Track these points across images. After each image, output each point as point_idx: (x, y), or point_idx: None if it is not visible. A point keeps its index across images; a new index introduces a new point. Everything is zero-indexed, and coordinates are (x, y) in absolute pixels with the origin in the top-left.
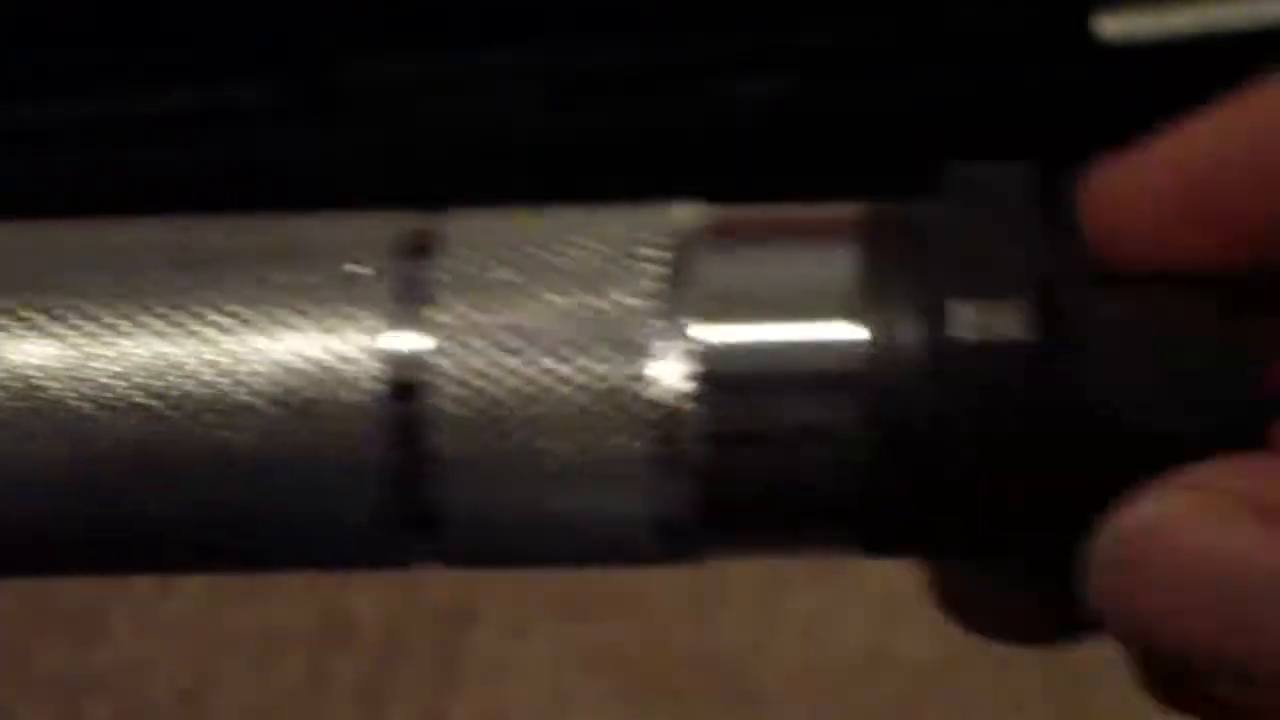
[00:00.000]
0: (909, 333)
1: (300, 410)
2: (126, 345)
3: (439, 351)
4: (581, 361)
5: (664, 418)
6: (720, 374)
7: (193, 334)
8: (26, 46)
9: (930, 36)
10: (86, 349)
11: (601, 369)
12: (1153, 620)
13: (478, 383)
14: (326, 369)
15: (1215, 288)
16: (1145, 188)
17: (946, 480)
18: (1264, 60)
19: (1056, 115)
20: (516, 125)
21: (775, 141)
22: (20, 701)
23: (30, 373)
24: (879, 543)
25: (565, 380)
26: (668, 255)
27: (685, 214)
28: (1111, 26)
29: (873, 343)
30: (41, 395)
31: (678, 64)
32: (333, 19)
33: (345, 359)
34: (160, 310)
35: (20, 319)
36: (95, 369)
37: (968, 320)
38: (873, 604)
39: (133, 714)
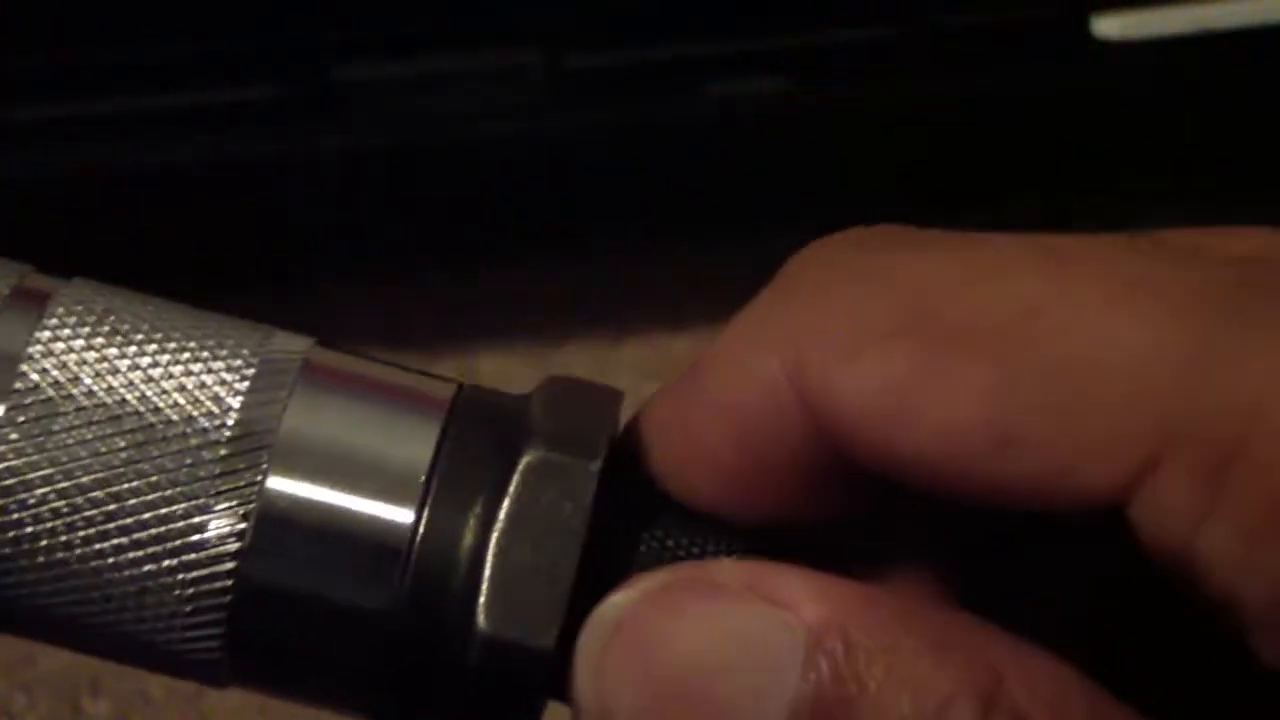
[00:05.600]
0: (453, 553)
1: None
2: None
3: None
4: (143, 497)
5: (208, 558)
6: (273, 524)
7: None
8: (27, 46)
9: (930, 36)
10: None
11: (162, 503)
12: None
13: (50, 487)
14: None
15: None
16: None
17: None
18: (1264, 60)
19: (1057, 115)
20: (516, 125)
21: (775, 141)
22: (20, 698)
23: None
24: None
25: (128, 508)
26: (254, 394)
27: (287, 345)
28: (1111, 26)
29: (420, 538)
30: None
31: (678, 64)
32: (333, 19)
33: None
34: None
35: None
36: None
37: (495, 616)
38: None
39: (132, 711)
